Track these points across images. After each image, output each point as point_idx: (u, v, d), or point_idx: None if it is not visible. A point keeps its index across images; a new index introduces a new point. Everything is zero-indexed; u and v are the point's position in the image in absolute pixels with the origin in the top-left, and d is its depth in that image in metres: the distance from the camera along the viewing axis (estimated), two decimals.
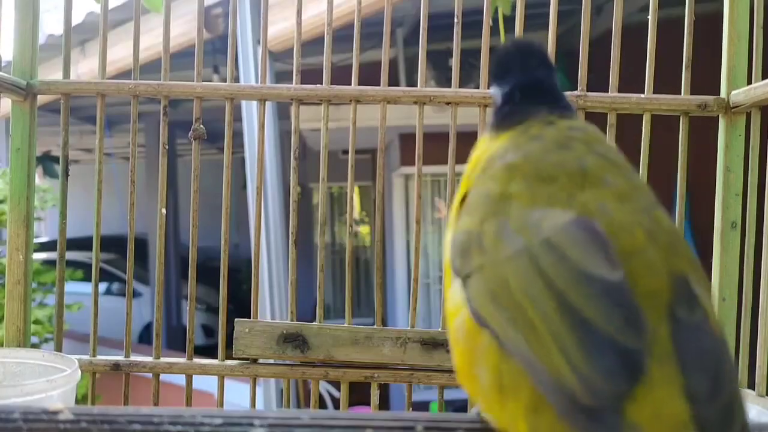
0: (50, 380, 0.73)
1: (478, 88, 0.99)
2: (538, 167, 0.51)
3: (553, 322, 0.43)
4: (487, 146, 0.57)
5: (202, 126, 0.99)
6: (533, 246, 0.46)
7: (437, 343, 0.96)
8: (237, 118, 2.20)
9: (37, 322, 3.61)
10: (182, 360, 0.99)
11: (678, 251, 0.47)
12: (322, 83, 0.99)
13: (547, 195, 0.48)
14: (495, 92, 0.60)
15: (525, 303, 0.45)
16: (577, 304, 0.43)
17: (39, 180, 5.73)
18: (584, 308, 0.43)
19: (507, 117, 0.57)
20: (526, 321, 0.44)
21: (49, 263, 4.17)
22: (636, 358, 0.41)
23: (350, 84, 0.99)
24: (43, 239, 6.97)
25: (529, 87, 0.57)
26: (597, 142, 0.53)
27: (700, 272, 0.48)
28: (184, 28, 2.77)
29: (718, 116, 0.96)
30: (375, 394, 0.99)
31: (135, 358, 0.99)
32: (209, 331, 6.38)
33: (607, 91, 0.97)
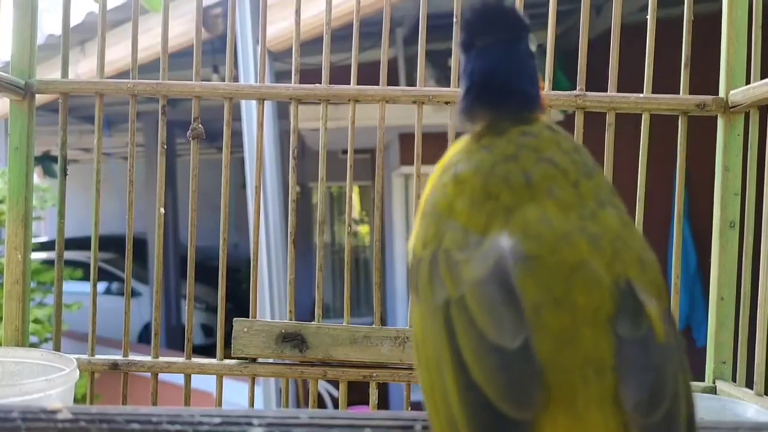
0: (49, 380, 0.73)
1: None
2: (483, 182, 0.49)
3: (449, 390, 0.44)
4: (456, 146, 0.55)
5: (200, 125, 0.99)
6: (451, 303, 0.46)
7: None
8: (236, 117, 2.20)
9: (36, 321, 3.61)
10: (181, 359, 0.99)
11: (624, 254, 0.47)
12: (321, 83, 0.99)
13: (486, 213, 0.48)
14: (464, 62, 0.56)
15: (432, 363, 0.46)
16: (474, 377, 0.43)
17: (39, 179, 5.73)
18: (480, 380, 0.43)
19: (468, 112, 0.54)
20: (430, 381, 0.46)
21: (49, 263, 4.17)
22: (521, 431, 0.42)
23: (350, 84, 0.99)
24: (43, 239, 6.97)
25: (491, 76, 0.53)
26: (549, 148, 0.51)
27: (650, 270, 0.47)
28: (184, 28, 2.77)
29: (716, 116, 0.96)
30: (374, 394, 0.99)
31: (133, 357, 0.99)
32: (208, 330, 6.38)
33: (607, 91, 0.97)
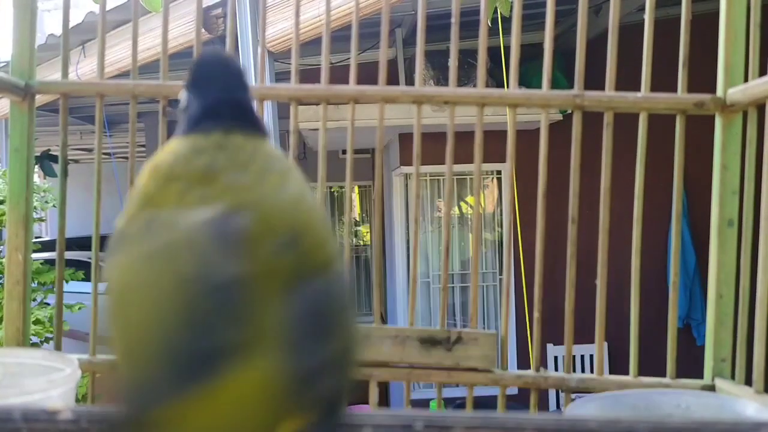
0: (50, 380, 0.73)
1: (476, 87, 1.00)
2: (172, 166, 0.52)
3: (156, 326, 0.45)
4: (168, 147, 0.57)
5: None
6: (169, 243, 0.48)
7: (436, 341, 0.96)
8: None
9: (37, 322, 3.60)
10: None
11: (315, 225, 0.52)
12: (321, 83, 1.00)
13: (180, 192, 0.50)
14: (184, 97, 0.59)
15: (139, 306, 0.46)
16: (178, 308, 0.45)
17: (39, 180, 5.73)
18: (184, 312, 0.45)
19: (196, 125, 0.57)
20: (128, 319, 0.46)
21: (50, 263, 4.17)
22: (219, 359, 0.44)
23: (349, 84, 0.99)
24: (45, 239, 6.98)
25: (227, 106, 0.57)
26: (244, 156, 0.54)
27: (330, 246, 0.52)
28: (184, 29, 2.77)
29: (714, 115, 0.96)
30: (374, 392, 0.99)
31: None
32: None
33: (605, 91, 0.97)
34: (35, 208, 3.21)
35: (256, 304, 0.46)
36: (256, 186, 0.51)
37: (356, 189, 7.21)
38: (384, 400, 5.20)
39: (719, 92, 0.95)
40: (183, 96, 0.58)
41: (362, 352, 0.51)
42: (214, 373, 0.43)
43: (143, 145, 6.10)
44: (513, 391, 1.01)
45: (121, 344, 0.46)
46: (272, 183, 0.52)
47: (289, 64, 1.02)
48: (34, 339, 3.48)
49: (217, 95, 0.57)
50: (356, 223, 7.46)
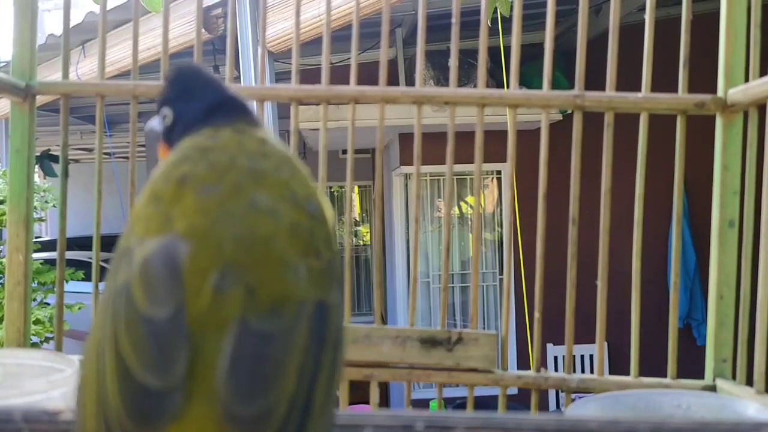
0: (51, 381, 0.73)
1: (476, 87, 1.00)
2: (155, 185, 0.51)
3: (107, 367, 0.44)
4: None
5: None
6: (122, 285, 0.47)
7: (436, 342, 0.96)
8: None
9: (37, 322, 3.60)
10: None
11: (273, 254, 0.48)
12: (321, 83, 1.00)
13: (157, 211, 0.49)
14: (168, 113, 0.59)
15: (97, 344, 0.46)
16: (124, 351, 0.44)
17: (39, 180, 5.73)
18: (128, 354, 0.44)
19: (186, 129, 0.57)
20: (93, 364, 0.46)
21: (51, 263, 4.18)
22: (163, 400, 0.43)
23: (350, 84, 0.99)
24: (45, 239, 6.98)
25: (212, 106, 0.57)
26: (224, 149, 0.53)
27: (308, 271, 0.48)
28: (185, 29, 2.77)
29: (715, 115, 0.96)
30: (374, 393, 0.99)
31: None
32: None
33: (606, 91, 0.97)
34: (35, 208, 3.21)
35: (194, 347, 0.44)
36: (220, 203, 0.49)
37: (356, 189, 7.21)
38: (384, 401, 5.20)
39: (720, 92, 0.95)
40: (166, 112, 0.58)
41: (330, 398, 0.47)
42: (151, 424, 0.43)
43: (143, 145, 6.11)
44: (513, 391, 1.01)
45: (79, 394, 0.46)
46: (242, 198, 0.49)
47: (290, 64, 1.02)
48: (35, 339, 3.48)
49: (201, 96, 0.57)
50: (356, 223, 7.47)
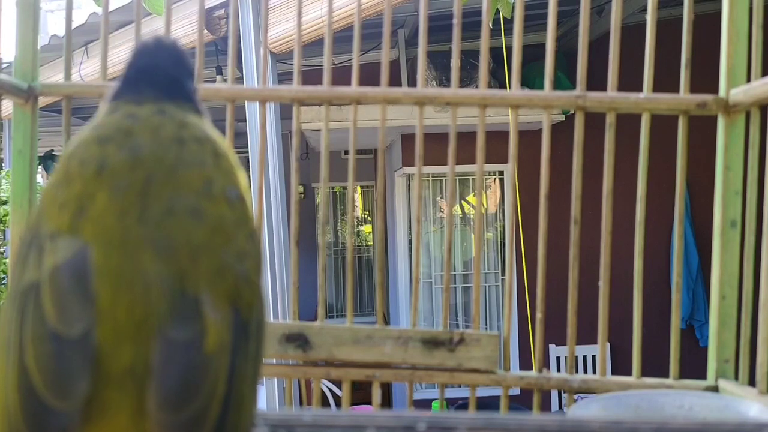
0: None
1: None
2: (67, 164, 0.49)
3: (9, 376, 0.44)
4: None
5: None
6: (31, 287, 0.45)
7: (438, 342, 0.96)
8: (241, 118, 2.20)
9: None
10: None
11: (197, 262, 0.46)
12: (323, 84, 1.00)
13: (67, 199, 0.47)
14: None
15: (2, 347, 0.45)
16: (29, 363, 0.43)
17: (43, 180, 5.74)
18: (32, 368, 0.43)
19: (114, 96, 0.54)
20: None
21: None
22: (64, 419, 0.42)
23: (352, 85, 0.99)
24: None
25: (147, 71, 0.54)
26: (143, 134, 0.50)
27: (228, 280, 0.47)
28: (188, 30, 2.77)
29: (717, 115, 0.96)
30: (376, 393, 0.99)
31: None
32: None
33: (607, 91, 0.97)
34: None
35: (107, 365, 0.43)
36: (134, 203, 0.46)
37: (359, 189, 7.22)
38: (387, 401, 5.20)
39: (722, 93, 0.95)
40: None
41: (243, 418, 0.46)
42: None
43: None
44: (515, 392, 1.01)
45: None
46: (157, 197, 0.47)
47: (292, 65, 1.02)
48: None
49: (141, 64, 0.54)
50: (359, 224, 7.47)
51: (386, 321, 1.01)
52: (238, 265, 0.48)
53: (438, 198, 4.83)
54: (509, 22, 1.27)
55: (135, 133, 0.49)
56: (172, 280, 0.45)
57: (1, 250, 3.82)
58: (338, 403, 3.96)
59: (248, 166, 3.13)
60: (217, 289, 0.46)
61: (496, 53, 3.39)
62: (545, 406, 3.56)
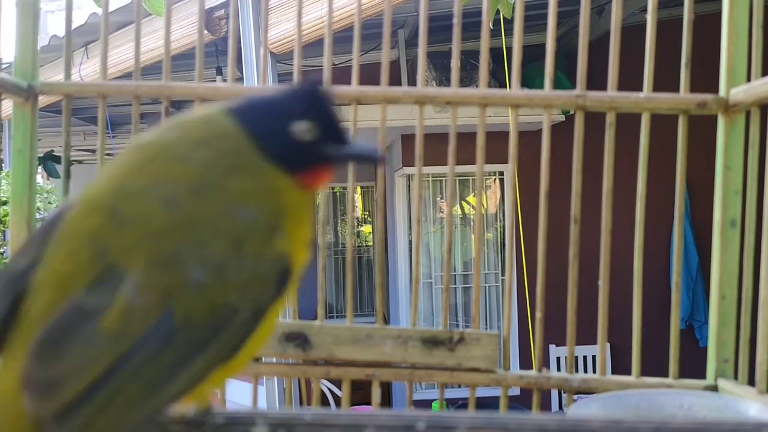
0: None
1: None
2: None
3: None
4: None
5: None
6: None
7: (438, 342, 0.96)
8: None
9: None
10: None
11: (145, 244, 0.48)
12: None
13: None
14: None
15: None
16: None
17: (42, 181, 5.74)
18: None
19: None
20: None
21: None
22: None
23: (352, 85, 0.99)
24: None
25: None
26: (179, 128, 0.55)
27: (172, 270, 0.47)
28: (189, 30, 2.77)
29: (717, 115, 0.96)
30: (376, 393, 0.99)
31: None
32: None
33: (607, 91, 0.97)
34: (39, 209, 3.21)
35: (29, 304, 0.47)
36: (124, 175, 0.51)
37: (359, 189, 7.21)
38: (386, 401, 5.20)
39: (722, 92, 0.95)
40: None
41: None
42: None
43: None
44: (515, 391, 1.01)
45: None
46: (144, 175, 0.51)
47: (292, 65, 1.02)
48: None
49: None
50: (359, 224, 7.47)
51: (386, 321, 1.01)
52: (193, 267, 0.47)
53: (438, 198, 4.83)
54: (509, 23, 1.27)
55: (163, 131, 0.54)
56: (109, 249, 0.47)
57: (1, 250, 3.82)
58: (338, 403, 3.96)
59: None
60: (150, 277, 0.47)
61: (496, 53, 3.38)
62: (545, 406, 3.56)
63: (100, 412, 0.44)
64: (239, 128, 0.54)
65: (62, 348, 0.45)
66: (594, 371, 1.11)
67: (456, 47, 0.99)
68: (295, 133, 0.56)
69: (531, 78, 3.51)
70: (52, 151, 5.53)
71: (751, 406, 0.77)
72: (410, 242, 4.78)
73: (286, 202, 0.54)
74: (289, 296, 0.54)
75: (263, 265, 0.50)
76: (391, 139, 4.55)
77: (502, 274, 4.88)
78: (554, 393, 4.22)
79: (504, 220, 4.89)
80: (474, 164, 0.97)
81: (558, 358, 4.36)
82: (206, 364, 0.48)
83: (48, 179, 5.62)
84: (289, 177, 0.55)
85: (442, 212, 4.82)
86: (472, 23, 1.19)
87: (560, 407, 4.31)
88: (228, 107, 0.56)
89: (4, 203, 3.41)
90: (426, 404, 3.95)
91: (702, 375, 0.96)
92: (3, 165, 4.57)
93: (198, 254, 0.48)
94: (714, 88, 0.96)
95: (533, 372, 0.98)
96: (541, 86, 0.98)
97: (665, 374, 0.96)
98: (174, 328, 0.46)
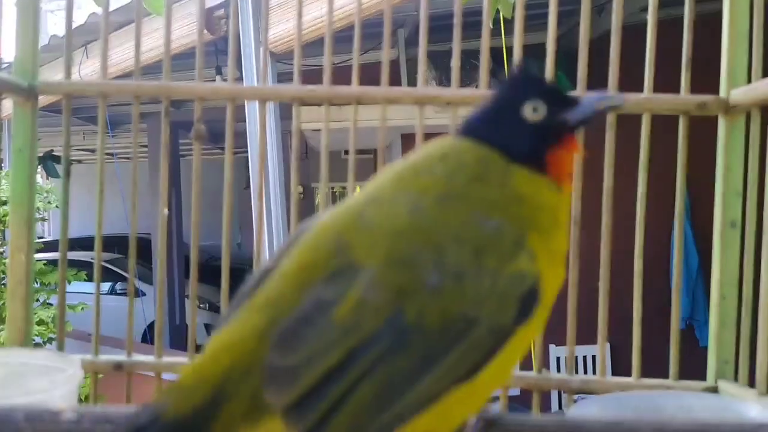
0: (52, 380, 0.73)
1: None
2: None
3: None
4: None
5: (203, 126, 0.99)
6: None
7: None
8: (241, 118, 2.20)
9: (41, 322, 3.61)
10: (184, 359, 1.00)
11: (382, 244, 0.49)
12: (323, 84, 1.00)
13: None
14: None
15: None
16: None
17: (42, 181, 5.74)
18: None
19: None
20: None
21: (54, 263, 4.18)
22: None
23: (352, 85, 0.99)
24: (48, 239, 6.98)
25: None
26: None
27: (403, 268, 0.48)
28: (189, 29, 2.77)
29: (717, 116, 0.96)
30: None
31: (137, 357, 0.99)
32: (213, 329, 6.38)
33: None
34: (38, 208, 3.21)
35: (268, 287, 0.50)
36: (374, 190, 0.55)
37: (358, 189, 7.20)
38: None
39: (722, 93, 0.95)
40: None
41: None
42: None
43: (146, 146, 6.11)
44: (515, 392, 1.01)
45: None
46: (391, 189, 0.53)
47: (292, 65, 1.02)
48: (38, 340, 3.49)
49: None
50: None
51: None
52: (429, 271, 0.47)
53: None
54: (509, 22, 1.27)
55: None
56: (350, 246, 0.49)
57: (1, 250, 3.82)
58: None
59: (247, 167, 3.12)
60: (386, 275, 0.47)
61: (496, 53, 3.38)
62: (545, 407, 3.56)
63: (333, 411, 0.44)
64: (474, 142, 0.56)
65: (300, 338, 0.46)
66: (594, 371, 1.10)
67: (456, 47, 0.99)
68: (527, 118, 0.55)
69: None
70: (52, 150, 5.53)
71: (751, 407, 0.77)
72: None
73: (535, 210, 0.53)
74: (541, 323, 0.52)
75: (503, 280, 0.49)
76: (391, 139, 4.55)
77: None
78: (554, 394, 4.21)
79: None
80: None
81: (558, 358, 4.36)
82: (442, 377, 0.47)
83: (48, 179, 5.62)
84: (537, 172, 0.54)
85: None
86: (472, 22, 1.19)
87: (560, 408, 4.31)
88: (456, 133, 0.58)
89: (4, 203, 3.41)
90: None
91: (702, 374, 0.96)
92: (3, 165, 4.56)
93: (436, 258, 0.48)
94: (714, 89, 0.95)
95: (533, 373, 0.98)
96: None
97: (665, 373, 0.96)
98: (406, 327, 0.46)
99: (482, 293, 0.48)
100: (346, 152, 1.01)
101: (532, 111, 0.56)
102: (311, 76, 1.01)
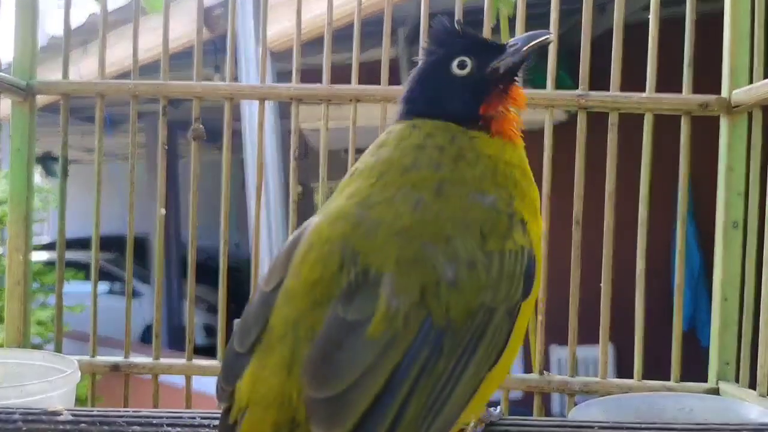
0: (50, 381, 0.73)
1: None
2: None
3: None
4: None
5: (201, 126, 0.99)
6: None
7: None
8: (238, 117, 2.20)
9: (40, 323, 3.60)
10: (182, 361, 0.99)
11: (392, 248, 0.48)
12: (322, 83, 0.99)
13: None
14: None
15: None
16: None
17: (41, 180, 5.74)
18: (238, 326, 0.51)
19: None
20: None
21: (52, 263, 4.17)
22: (240, 361, 0.48)
23: (351, 83, 0.99)
24: (46, 239, 6.97)
25: None
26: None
27: (420, 272, 0.47)
28: (187, 28, 2.76)
29: (719, 116, 0.95)
30: None
31: (134, 358, 0.99)
32: (211, 330, 6.37)
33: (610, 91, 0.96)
34: (37, 208, 3.21)
35: (276, 310, 0.49)
36: (364, 187, 0.52)
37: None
38: None
39: (724, 93, 0.95)
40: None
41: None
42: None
43: (144, 146, 6.10)
44: (517, 395, 1.00)
45: None
46: (386, 186, 0.51)
47: (290, 64, 1.02)
48: (37, 340, 3.48)
49: None
50: None
51: None
52: (443, 265, 0.47)
53: None
54: (511, 21, 1.26)
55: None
56: (360, 253, 0.47)
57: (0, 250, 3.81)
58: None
59: (243, 167, 3.12)
60: (402, 277, 0.46)
61: None
62: (546, 409, 3.55)
63: None
64: (428, 120, 0.55)
65: (333, 364, 0.44)
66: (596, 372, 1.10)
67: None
68: (458, 76, 0.55)
69: (533, 76, 3.50)
70: (51, 152, 5.52)
71: (752, 408, 0.76)
72: None
73: (507, 167, 0.53)
74: (538, 290, 0.53)
75: (508, 260, 0.49)
76: None
77: None
78: (556, 395, 4.21)
79: None
80: None
81: (559, 359, 4.35)
82: (478, 369, 0.47)
83: (46, 177, 5.61)
84: (488, 131, 0.54)
85: None
86: (473, 21, 1.18)
87: (561, 410, 4.31)
88: (402, 114, 0.57)
89: (3, 203, 3.40)
90: None
91: (703, 375, 0.95)
92: (1, 164, 4.56)
93: (446, 250, 0.47)
94: (716, 89, 0.95)
95: (535, 375, 0.97)
96: (543, 84, 0.97)
97: (667, 373, 0.95)
98: (438, 331, 0.45)
99: (494, 277, 0.48)
100: (346, 151, 1.01)
101: (459, 67, 0.55)
102: (310, 75, 1.01)
